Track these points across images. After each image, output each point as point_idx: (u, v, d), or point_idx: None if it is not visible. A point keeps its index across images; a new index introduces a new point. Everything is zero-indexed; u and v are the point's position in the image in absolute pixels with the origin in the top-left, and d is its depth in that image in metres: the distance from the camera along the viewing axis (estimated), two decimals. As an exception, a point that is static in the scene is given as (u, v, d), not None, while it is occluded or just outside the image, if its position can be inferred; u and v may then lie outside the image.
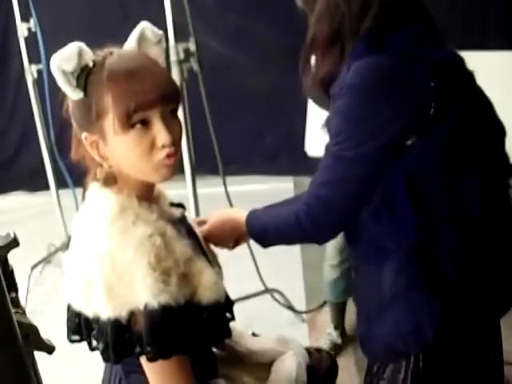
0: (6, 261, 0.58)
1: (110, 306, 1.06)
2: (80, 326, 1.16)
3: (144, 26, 1.18)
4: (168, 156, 1.11)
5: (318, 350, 1.61)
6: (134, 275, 1.06)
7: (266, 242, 1.37)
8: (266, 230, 1.35)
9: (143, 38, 1.17)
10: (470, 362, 1.26)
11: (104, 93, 1.07)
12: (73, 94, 1.09)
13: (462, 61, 1.22)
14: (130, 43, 1.17)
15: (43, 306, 3.00)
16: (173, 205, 1.34)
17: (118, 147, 1.10)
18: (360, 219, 1.23)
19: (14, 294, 0.57)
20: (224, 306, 1.19)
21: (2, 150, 5.01)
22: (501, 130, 1.25)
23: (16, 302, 0.57)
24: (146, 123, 1.09)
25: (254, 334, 1.61)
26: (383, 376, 1.29)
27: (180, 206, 1.36)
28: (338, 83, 1.16)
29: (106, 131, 1.09)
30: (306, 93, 1.28)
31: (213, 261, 1.34)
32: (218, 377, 1.32)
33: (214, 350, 1.47)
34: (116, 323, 1.06)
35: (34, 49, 3.05)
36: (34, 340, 0.50)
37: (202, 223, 1.44)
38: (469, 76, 1.21)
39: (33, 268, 3.38)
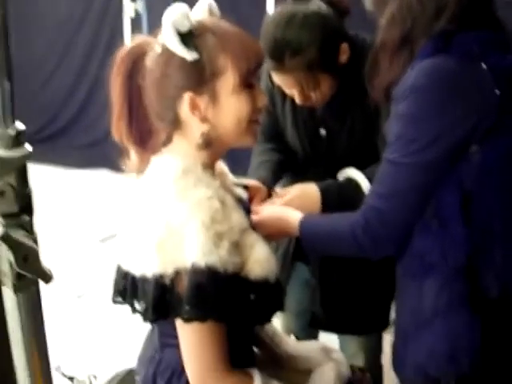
0: (24, 177, 0.57)
1: (158, 261, 1.08)
2: (126, 289, 1.18)
3: (210, 1, 1.18)
4: (258, 121, 1.19)
5: (362, 370, 1.54)
6: (186, 233, 1.07)
7: (316, 251, 1.35)
8: (319, 239, 1.30)
9: (211, 13, 1.18)
10: None
11: (220, 53, 1.11)
12: (187, 55, 1.10)
13: None
14: (200, 14, 1.17)
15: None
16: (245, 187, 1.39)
17: (230, 106, 1.14)
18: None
19: (27, 218, 0.56)
20: (272, 288, 1.17)
21: (99, 127, 5.22)
22: None
23: (28, 226, 0.56)
24: (251, 85, 1.14)
25: (297, 338, 1.57)
26: None
27: (247, 188, 1.40)
28: (402, 85, 1.11)
29: (220, 91, 1.13)
30: (372, 100, 1.22)
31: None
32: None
33: (255, 349, 1.44)
34: (160, 280, 1.08)
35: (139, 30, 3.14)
36: (33, 264, 0.48)
37: (255, 212, 1.40)
38: None
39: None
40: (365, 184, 1.49)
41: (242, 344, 1.28)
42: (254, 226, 1.32)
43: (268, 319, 1.25)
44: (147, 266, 1.10)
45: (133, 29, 3.10)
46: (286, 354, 1.45)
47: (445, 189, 1.10)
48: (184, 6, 1.12)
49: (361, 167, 1.55)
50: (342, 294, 1.74)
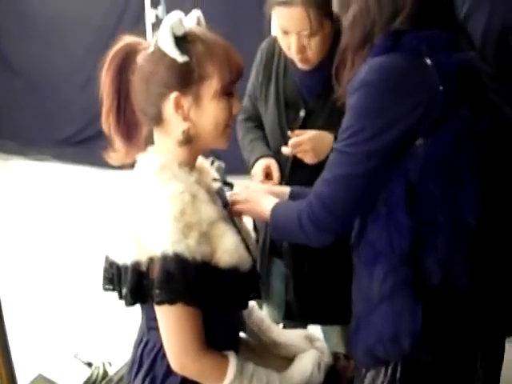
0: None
1: (135, 250, 1.19)
2: (113, 277, 1.29)
3: (199, 14, 1.29)
4: (230, 126, 1.30)
5: (347, 357, 1.59)
6: (158, 225, 1.17)
7: (278, 237, 1.44)
8: (277, 226, 1.37)
9: (199, 23, 1.29)
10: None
11: (207, 60, 1.21)
12: (179, 57, 1.20)
13: (482, 70, 1.19)
14: (190, 23, 1.26)
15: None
16: (224, 183, 1.47)
17: (211, 110, 1.24)
18: (364, 221, 1.23)
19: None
20: (246, 277, 1.26)
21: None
22: None
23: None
24: (230, 93, 1.26)
25: (284, 327, 1.63)
26: (364, 380, 1.27)
27: (229, 184, 1.49)
28: (354, 79, 1.17)
29: (203, 94, 1.23)
30: (338, 98, 1.28)
31: (246, 238, 1.39)
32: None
33: (243, 334, 1.52)
34: (137, 268, 1.19)
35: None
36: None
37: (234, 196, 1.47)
38: (484, 86, 1.18)
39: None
40: None
41: (224, 328, 1.36)
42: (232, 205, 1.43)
43: (242, 306, 1.33)
44: (127, 255, 1.21)
45: (153, 32, 3.22)
46: (272, 340, 1.53)
47: (392, 179, 1.15)
48: (181, 14, 1.23)
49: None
50: (314, 285, 1.80)
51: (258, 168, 1.74)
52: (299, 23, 1.58)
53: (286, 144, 1.69)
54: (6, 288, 3.20)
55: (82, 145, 5.40)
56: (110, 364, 2.21)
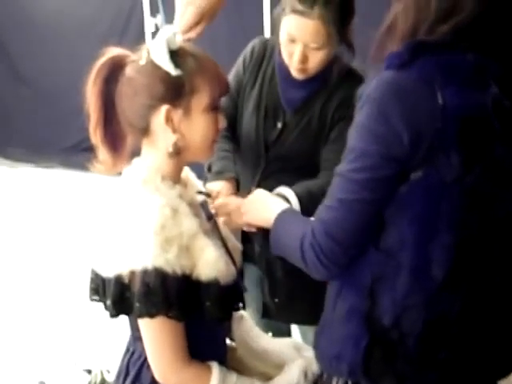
0: None
1: (117, 263, 1.20)
2: (98, 288, 1.30)
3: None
4: (216, 141, 1.33)
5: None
6: (139, 238, 1.19)
7: (275, 252, 1.35)
8: (278, 242, 1.31)
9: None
10: None
11: (198, 74, 1.23)
12: (173, 70, 1.21)
13: (499, 112, 1.04)
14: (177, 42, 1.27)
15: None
16: (207, 194, 1.48)
17: (200, 123, 1.26)
18: None
19: None
20: (229, 290, 1.27)
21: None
22: None
23: None
24: (217, 108, 1.29)
25: (274, 335, 1.64)
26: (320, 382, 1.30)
27: (205, 194, 1.49)
28: (364, 91, 1.09)
29: (193, 107, 1.25)
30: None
31: (232, 250, 1.41)
32: (224, 364, 1.37)
33: (232, 343, 1.53)
34: (120, 280, 1.20)
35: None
36: None
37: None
38: (490, 135, 1.04)
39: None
40: (294, 200, 1.55)
41: (210, 338, 1.37)
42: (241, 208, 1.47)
43: (226, 317, 1.33)
44: (110, 267, 1.22)
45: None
46: (261, 348, 1.53)
47: None
48: (175, 28, 1.27)
49: (297, 175, 1.67)
50: (288, 286, 1.78)
51: (215, 186, 1.68)
52: (311, 36, 1.55)
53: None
54: (8, 297, 3.25)
55: (88, 152, 5.43)
56: (109, 371, 2.24)
